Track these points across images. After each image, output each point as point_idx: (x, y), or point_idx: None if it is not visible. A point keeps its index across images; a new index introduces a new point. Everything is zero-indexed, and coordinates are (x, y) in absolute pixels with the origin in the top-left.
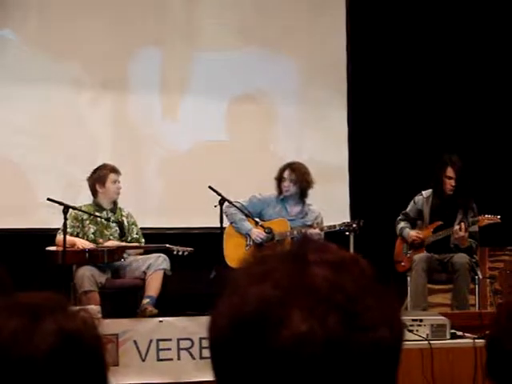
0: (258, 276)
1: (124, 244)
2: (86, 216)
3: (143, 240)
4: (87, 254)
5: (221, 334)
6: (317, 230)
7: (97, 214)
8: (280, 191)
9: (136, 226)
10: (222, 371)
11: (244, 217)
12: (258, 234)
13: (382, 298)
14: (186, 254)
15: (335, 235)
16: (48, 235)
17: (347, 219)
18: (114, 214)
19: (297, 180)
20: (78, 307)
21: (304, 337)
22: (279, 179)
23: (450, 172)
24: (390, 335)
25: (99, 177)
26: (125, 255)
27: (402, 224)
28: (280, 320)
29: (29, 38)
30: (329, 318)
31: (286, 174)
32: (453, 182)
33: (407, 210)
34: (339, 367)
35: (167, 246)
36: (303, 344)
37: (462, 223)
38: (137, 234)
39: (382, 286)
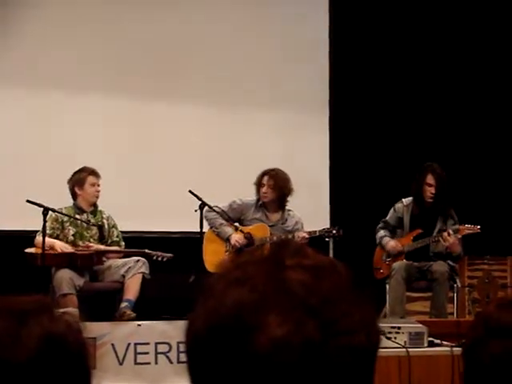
0: (235, 280)
1: (104, 248)
2: (66, 218)
3: (123, 243)
4: (66, 257)
5: (197, 337)
6: (303, 234)
7: (77, 216)
8: (259, 197)
9: (116, 229)
10: (197, 375)
11: (224, 222)
12: (237, 239)
13: (359, 304)
14: (165, 259)
15: (315, 241)
16: (28, 237)
17: (327, 226)
18: (95, 216)
19: (275, 186)
20: (60, 310)
21: (280, 341)
22: (258, 185)
23: (430, 179)
24: (367, 341)
25: (78, 179)
26: (104, 258)
27: (382, 232)
28: (256, 324)
29: None
30: (305, 323)
31: (265, 179)
32: (433, 190)
33: (387, 217)
34: (316, 372)
35: (147, 251)
36: (280, 349)
37: (449, 229)
38: (117, 237)
39: (360, 292)
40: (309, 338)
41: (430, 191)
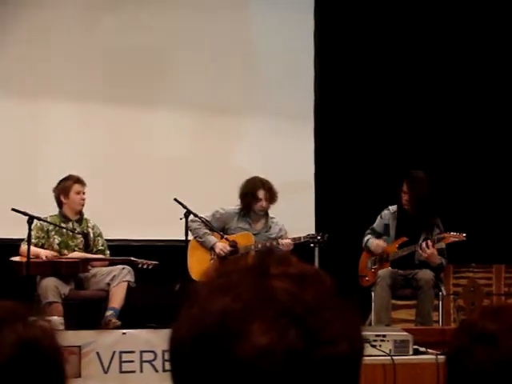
0: (220, 288)
1: (89, 256)
2: (51, 227)
3: (108, 252)
4: (51, 266)
5: (181, 345)
6: (288, 241)
7: (62, 224)
8: (248, 208)
9: (102, 237)
10: (181, 383)
11: (208, 231)
12: (221, 247)
13: (343, 312)
14: (150, 267)
15: (300, 248)
16: (13, 245)
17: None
18: (80, 225)
19: (271, 199)
20: (39, 316)
21: (264, 350)
22: (253, 198)
23: (404, 186)
24: (350, 350)
25: (63, 188)
26: (89, 266)
27: (368, 236)
28: (240, 333)
29: None
30: (289, 332)
31: (261, 194)
32: (406, 196)
33: (374, 224)
34: (299, 381)
35: (132, 259)
36: (263, 357)
37: (428, 240)
38: (102, 245)
39: (344, 300)
40: (292, 346)
41: (404, 199)
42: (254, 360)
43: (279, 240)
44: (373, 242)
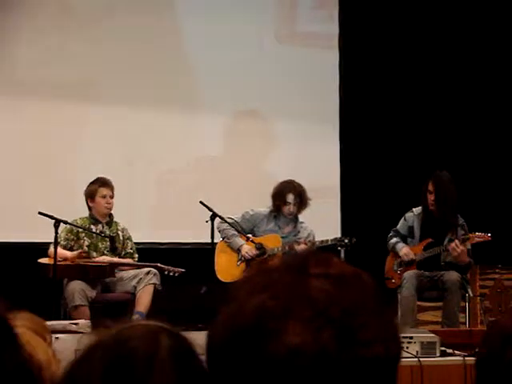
0: (258, 287)
1: (116, 260)
2: (80, 229)
3: (137, 255)
4: (78, 269)
5: (217, 343)
6: (303, 246)
7: (92, 227)
8: (278, 210)
9: (131, 240)
10: (217, 379)
11: (236, 232)
12: (247, 250)
13: (380, 315)
14: (176, 275)
15: (326, 250)
16: (41, 249)
17: (338, 236)
18: (110, 227)
19: (301, 204)
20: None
21: (296, 350)
22: (282, 201)
23: (430, 186)
24: (385, 352)
25: (90, 191)
26: (116, 270)
27: (395, 239)
28: (275, 331)
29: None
30: (323, 332)
31: (290, 198)
32: (432, 197)
33: (398, 227)
34: (331, 382)
35: (159, 265)
36: (295, 357)
37: (456, 240)
38: (131, 248)
39: (382, 303)
40: (325, 347)
41: (430, 198)
42: (286, 359)
43: (295, 245)
44: (402, 249)
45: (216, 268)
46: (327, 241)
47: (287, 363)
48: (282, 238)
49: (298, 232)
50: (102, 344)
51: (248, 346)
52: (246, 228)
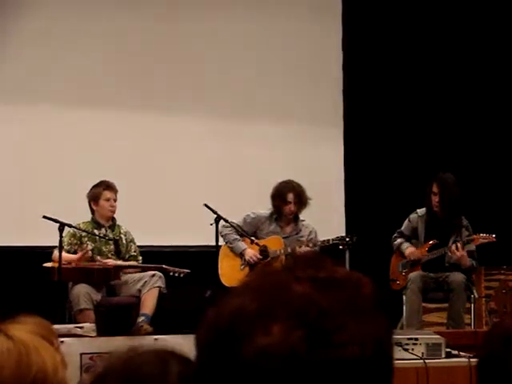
0: (243, 289)
1: (121, 263)
2: (84, 233)
3: (141, 258)
4: (83, 272)
5: (201, 343)
6: (306, 248)
7: (95, 231)
8: (278, 210)
9: (134, 243)
10: (202, 381)
11: (238, 237)
12: (251, 255)
13: (365, 318)
14: (182, 275)
15: (331, 251)
16: (45, 253)
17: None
18: (113, 231)
19: (301, 203)
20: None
21: (264, 351)
22: (282, 201)
23: (434, 187)
24: (361, 353)
25: (93, 194)
26: (121, 273)
27: (399, 240)
28: (248, 334)
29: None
30: (293, 334)
31: (290, 197)
32: (437, 198)
33: (402, 228)
34: (302, 382)
35: (164, 266)
36: (264, 358)
37: (457, 243)
38: (134, 251)
39: (372, 306)
40: (294, 348)
41: (434, 200)
42: (255, 361)
43: (297, 247)
44: (407, 249)
45: (220, 272)
46: (329, 240)
47: (256, 365)
48: (284, 238)
49: (300, 231)
50: (113, 371)
51: (224, 348)
52: (248, 231)
